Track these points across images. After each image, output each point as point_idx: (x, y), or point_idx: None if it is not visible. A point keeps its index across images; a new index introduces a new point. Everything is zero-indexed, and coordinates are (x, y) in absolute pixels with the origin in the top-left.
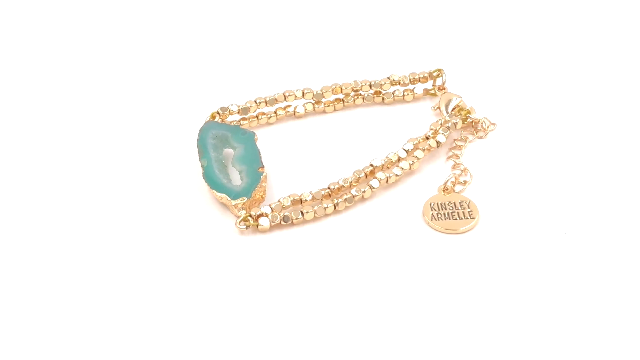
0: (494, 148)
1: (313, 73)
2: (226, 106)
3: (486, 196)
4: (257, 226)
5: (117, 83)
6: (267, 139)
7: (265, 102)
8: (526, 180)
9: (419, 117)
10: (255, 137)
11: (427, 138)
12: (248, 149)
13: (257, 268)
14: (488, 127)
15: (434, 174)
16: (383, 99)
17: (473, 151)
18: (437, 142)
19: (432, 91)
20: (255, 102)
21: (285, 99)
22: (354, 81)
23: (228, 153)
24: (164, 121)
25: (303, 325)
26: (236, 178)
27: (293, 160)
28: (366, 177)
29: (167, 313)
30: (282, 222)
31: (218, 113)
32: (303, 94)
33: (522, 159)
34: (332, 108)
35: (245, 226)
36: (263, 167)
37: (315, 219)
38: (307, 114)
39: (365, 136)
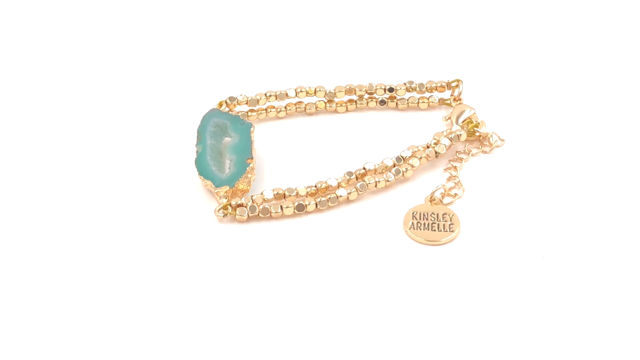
0: (497, 165)
1: (329, 72)
2: (235, 96)
3: (474, 212)
4: (235, 216)
5: (130, 75)
6: (273, 133)
7: (276, 95)
8: (518, 202)
9: (431, 126)
10: (252, 129)
11: (427, 147)
12: (242, 139)
13: (227, 256)
14: (495, 142)
15: (428, 183)
16: (397, 104)
17: (475, 165)
18: (436, 152)
19: (448, 101)
20: (265, 95)
21: (296, 94)
22: (369, 83)
23: (226, 142)
24: (173, 111)
25: (261, 316)
26: (227, 167)
27: (295, 156)
28: (357, 179)
29: (132, 291)
30: (260, 215)
31: (226, 102)
32: (315, 92)
33: (521, 179)
34: (344, 108)
35: (223, 214)
36: (252, 158)
37: (294, 215)
38: (318, 112)
39: (372, 140)
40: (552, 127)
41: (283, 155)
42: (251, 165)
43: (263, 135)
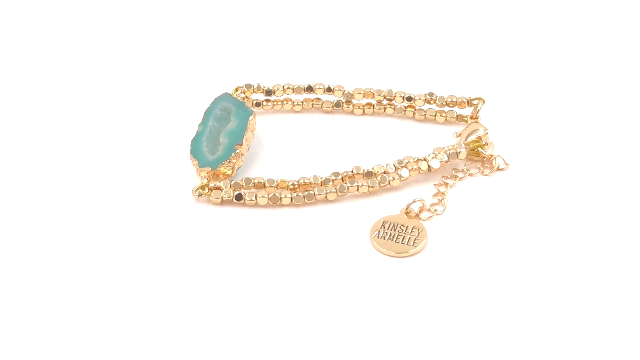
0: (492, 189)
1: (353, 74)
2: (251, 84)
3: (448, 231)
4: (210, 197)
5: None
6: (285, 125)
7: (293, 89)
8: (497, 231)
9: (442, 141)
10: (252, 117)
11: (424, 160)
12: (239, 125)
13: (192, 234)
14: (497, 165)
15: (415, 195)
16: (414, 114)
17: (471, 186)
18: (429, 166)
19: (466, 118)
20: (283, 87)
21: (313, 90)
22: (388, 90)
23: (226, 126)
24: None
25: (206, 300)
26: (218, 150)
27: (300, 150)
28: (342, 180)
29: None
30: (234, 201)
31: (242, 88)
32: (333, 91)
33: (510, 209)
34: (361, 111)
35: (198, 194)
36: (241, 145)
37: (268, 205)
38: (334, 111)
39: (380, 145)
40: (564, 163)
41: (288, 148)
42: (238, 151)
43: (274, 125)
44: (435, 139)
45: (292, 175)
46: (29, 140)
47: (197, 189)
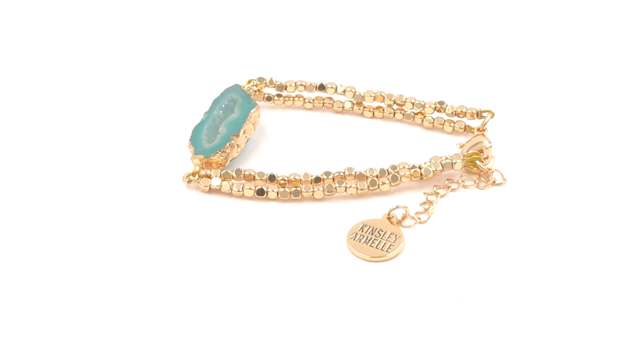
0: (484, 203)
1: (368, 76)
2: (264, 77)
3: (428, 241)
4: (199, 185)
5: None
6: (294, 121)
7: (305, 86)
8: (478, 247)
9: (447, 150)
10: (253, 110)
11: (418, 167)
12: (241, 117)
13: (177, 220)
14: (492, 180)
15: (404, 201)
16: (422, 121)
17: (464, 198)
18: (421, 174)
19: (474, 130)
20: (295, 83)
21: (325, 89)
22: (399, 95)
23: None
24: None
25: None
26: (216, 139)
27: (304, 147)
28: (333, 180)
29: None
30: (222, 190)
31: (255, 82)
32: (344, 91)
33: (497, 226)
34: (370, 114)
35: (188, 180)
36: (237, 136)
37: (254, 198)
38: (344, 112)
39: (385, 150)
40: (565, 186)
41: (291, 144)
42: (233, 142)
43: (282, 120)
44: (440, 148)
45: (289, 171)
46: (24, 122)
47: (188, 176)
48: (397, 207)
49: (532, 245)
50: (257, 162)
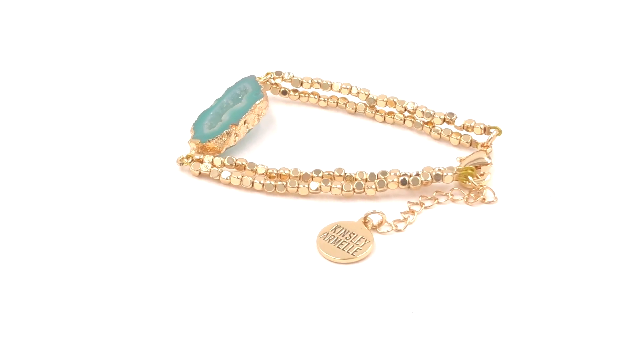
0: (469, 220)
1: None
2: (282, 71)
3: (400, 251)
4: (190, 168)
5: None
6: (306, 117)
7: (320, 84)
8: (448, 267)
9: (449, 163)
10: (258, 102)
11: (409, 175)
12: (245, 107)
13: (162, 200)
14: (483, 198)
15: (387, 207)
16: (430, 131)
17: (450, 212)
18: (408, 183)
19: (481, 145)
20: (312, 80)
21: (339, 89)
22: (411, 102)
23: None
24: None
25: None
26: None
27: (307, 144)
28: (322, 178)
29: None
30: (211, 176)
31: (272, 75)
32: (358, 93)
33: (474, 246)
34: (382, 118)
35: (180, 163)
36: (236, 125)
37: (240, 187)
38: (357, 113)
39: (388, 155)
40: (558, 213)
41: (297, 139)
42: (230, 130)
43: (293, 115)
44: (443, 159)
45: (287, 166)
46: (21, 114)
47: (182, 159)
48: (374, 212)
49: (500, 267)
50: (256, 153)
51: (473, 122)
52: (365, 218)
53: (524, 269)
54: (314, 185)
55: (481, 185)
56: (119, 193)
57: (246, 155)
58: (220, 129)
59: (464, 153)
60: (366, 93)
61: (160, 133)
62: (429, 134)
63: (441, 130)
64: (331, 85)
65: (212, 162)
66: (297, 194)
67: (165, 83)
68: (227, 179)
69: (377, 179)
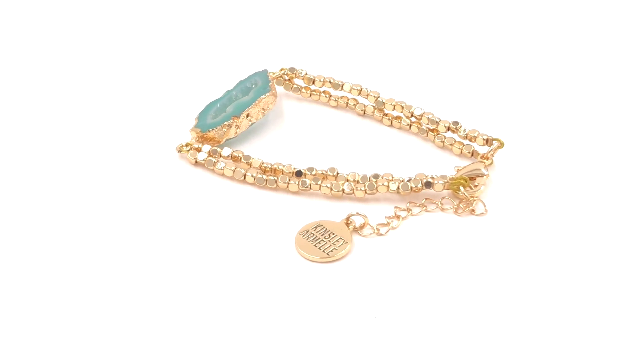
0: (454, 230)
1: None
2: (295, 68)
3: (378, 255)
4: (187, 156)
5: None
6: (314, 115)
7: (331, 83)
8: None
9: (447, 171)
10: (264, 96)
11: (401, 181)
12: (249, 100)
13: (156, 187)
14: (472, 209)
15: (375, 210)
16: (434, 138)
17: (438, 221)
18: (398, 188)
19: (481, 157)
20: (323, 79)
21: (350, 90)
22: (418, 108)
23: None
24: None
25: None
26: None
27: (311, 142)
28: (315, 176)
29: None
30: (206, 166)
31: (286, 71)
32: (367, 95)
33: (452, 254)
34: (389, 122)
35: (178, 150)
36: (238, 118)
37: (232, 178)
38: (366, 115)
39: (390, 159)
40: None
41: (303, 137)
42: (231, 122)
43: (302, 113)
44: (443, 168)
45: (286, 162)
46: (20, 107)
47: (181, 147)
48: (356, 213)
49: (471, 280)
50: (258, 146)
51: (477, 133)
52: (347, 219)
53: (495, 285)
54: (304, 182)
55: (472, 197)
56: (116, 176)
57: (247, 148)
58: (222, 120)
59: (464, 163)
60: (375, 95)
61: (171, 121)
62: (433, 141)
63: (445, 139)
64: (342, 86)
65: (209, 152)
66: (287, 190)
67: (185, 75)
68: (220, 169)
69: (368, 181)
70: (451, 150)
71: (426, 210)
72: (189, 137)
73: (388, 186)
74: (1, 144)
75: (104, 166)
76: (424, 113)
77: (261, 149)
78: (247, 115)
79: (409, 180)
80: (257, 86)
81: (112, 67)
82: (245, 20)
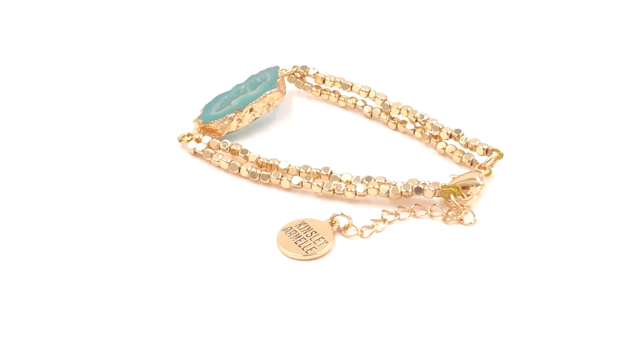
0: (440, 237)
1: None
2: (307, 66)
3: (355, 256)
4: (187, 146)
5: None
6: (320, 114)
7: (341, 83)
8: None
9: (443, 179)
10: (269, 92)
11: (393, 184)
12: (255, 95)
13: (154, 175)
14: (461, 218)
15: (363, 212)
16: (436, 145)
17: (423, 226)
18: (388, 192)
19: (478, 167)
20: (334, 78)
21: (358, 91)
22: (421, 114)
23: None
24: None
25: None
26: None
27: (314, 141)
28: (308, 174)
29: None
30: (204, 157)
31: (298, 68)
32: (374, 97)
33: (433, 263)
34: (394, 126)
35: (179, 140)
36: (241, 111)
37: (227, 171)
38: (373, 118)
39: (392, 163)
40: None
41: (306, 135)
42: (233, 115)
43: (310, 111)
44: (440, 175)
45: (285, 158)
46: (23, 96)
47: (182, 136)
48: (341, 214)
49: (446, 289)
50: (260, 141)
51: (477, 142)
52: (332, 219)
53: (469, 296)
54: (296, 179)
55: (462, 206)
56: (117, 164)
57: (249, 142)
58: (225, 112)
59: (463, 171)
60: (382, 98)
61: (180, 112)
62: (435, 148)
63: (446, 146)
64: (351, 86)
65: (207, 144)
66: (279, 186)
67: (203, 68)
68: (217, 161)
69: (360, 183)
70: (452, 158)
71: (414, 216)
72: (192, 127)
73: (379, 189)
74: (3, 133)
75: (106, 155)
76: (428, 119)
77: (263, 144)
78: (251, 110)
79: (400, 185)
80: (265, 82)
81: (140, 59)
82: (266, 16)
